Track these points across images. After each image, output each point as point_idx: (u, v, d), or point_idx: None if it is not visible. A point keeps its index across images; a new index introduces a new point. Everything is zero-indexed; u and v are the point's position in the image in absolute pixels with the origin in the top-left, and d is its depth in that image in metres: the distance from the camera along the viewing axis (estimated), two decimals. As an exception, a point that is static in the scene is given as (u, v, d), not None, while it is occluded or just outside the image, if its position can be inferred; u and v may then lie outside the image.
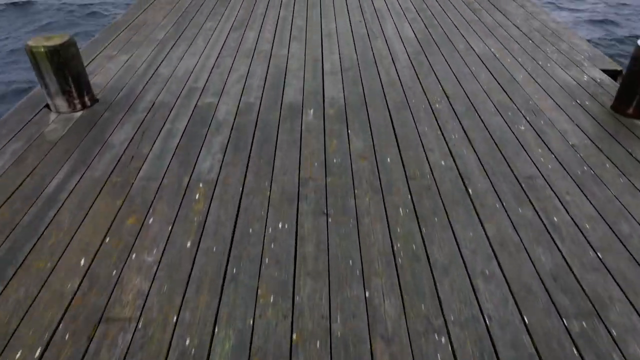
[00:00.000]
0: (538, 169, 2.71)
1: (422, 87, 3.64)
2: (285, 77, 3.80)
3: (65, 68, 3.10)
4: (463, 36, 4.63)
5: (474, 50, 4.30)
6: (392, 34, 4.70)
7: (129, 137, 3.02)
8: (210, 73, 3.87)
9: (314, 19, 5.11)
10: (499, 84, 3.70)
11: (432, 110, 3.32)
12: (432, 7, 5.49)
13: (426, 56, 4.18)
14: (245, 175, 2.67)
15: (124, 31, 4.71)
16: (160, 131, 3.08)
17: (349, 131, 3.08)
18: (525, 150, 2.88)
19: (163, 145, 2.93)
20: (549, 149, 2.90)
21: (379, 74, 3.85)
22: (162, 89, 3.61)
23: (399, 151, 2.87)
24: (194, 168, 2.73)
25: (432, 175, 2.66)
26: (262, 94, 3.55)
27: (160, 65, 4.00)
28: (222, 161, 2.78)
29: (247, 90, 3.61)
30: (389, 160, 2.79)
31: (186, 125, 3.15)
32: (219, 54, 4.23)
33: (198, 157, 2.82)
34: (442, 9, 5.39)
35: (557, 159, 2.81)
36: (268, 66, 4.00)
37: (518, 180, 2.62)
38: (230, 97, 3.50)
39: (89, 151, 2.87)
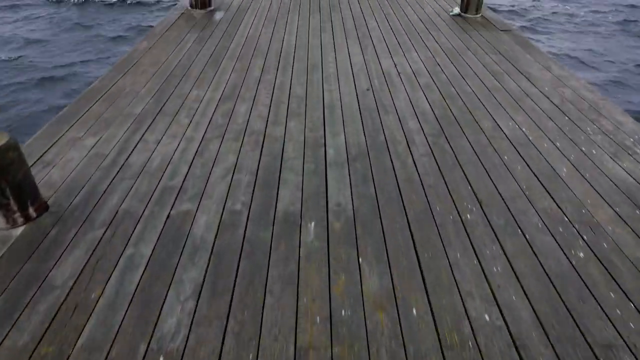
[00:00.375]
0: (616, 330, 2.03)
1: (446, 186, 3.00)
2: (280, 170, 3.16)
3: (1, 178, 2.47)
4: (487, 110, 4.03)
5: (502, 130, 3.68)
6: (404, 106, 4.10)
7: (77, 270, 2.34)
8: (191, 164, 3.23)
9: (314, 84, 4.52)
10: (539, 181, 3.05)
11: (463, 224, 2.66)
12: (446, 68, 4.92)
13: (447, 139, 3.56)
14: (223, 340, 1.99)
15: (97, 103, 4.11)
16: (119, 260, 2.41)
17: (360, 259, 2.41)
18: (593, 295, 2.21)
19: (119, 286, 2.26)
20: (623, 291, 2.23)
21: (393, 166, 3.22)
22: (130, 190, 2.96)
23: (427, 295, 2.20)
24: (155, 327, 2.04)
25: (475, 340, 1.98)
26: (252, 196, 2.90)
27: (133, 152, 3.37)
28: (194, 314, 2.10)
29: (234, 190, 2.96)
30: (414, 312, 2.11)
31: (153, 249, 2.48)
32: (204, 135, 3.61)
33: (162, 306, 2.14)
34: (458, 72, 4.82)
35: (638, 311, 2.13)
36: (261, 153, 3.37)
37: (594, 353, 1.94)
38: (212, 202, 2.85)
39: (20, 297, 2.19)
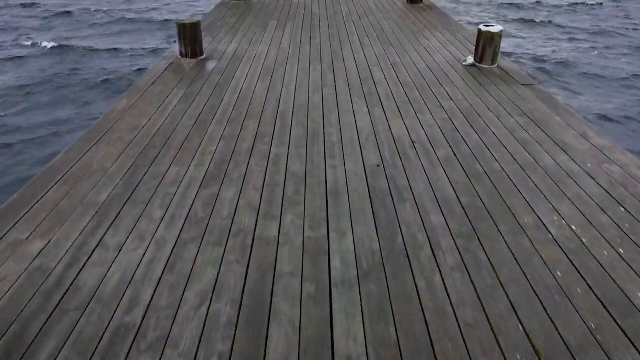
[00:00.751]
0: None
1: (490, 324, 2.28)
2: (272, 295, 2.46)
3: None
4: (523, 196, 3.35)
5: (547, 228, 2.99)
6: (423, 189, 3.43)
7: None
8: (157, 286, 2.52)
9: (315, 158, 3.86)
10: (610, 315, 2.34)
11: (521, 396, 1.95)
12: (467, 135, 4.27)
13: (481, 242, 2.86)
14: None
15: (55, 186, 3.42)
16: None
17: None
18: None
19: None
20: None
21: (417, 288, 2.51)
22: (72, 332, 2.22)
23: None
24: None
25: None
26: (233, 343, 2.18)
27: (87, 266, 2.66)
28: None
29: (209, 332, 2.24)
30: None
31: None
32: (179, 236, 2.91)
33: None
34: (481, 140, 4.17)
35: None
36: (248, 266, 2.67)
37: None
38: (178, 355, 2.13)
39: None
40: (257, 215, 3.13)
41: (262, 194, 3.36)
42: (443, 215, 3.13)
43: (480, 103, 5.00)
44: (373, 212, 3.17)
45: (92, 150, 3.95)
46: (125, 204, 3.24)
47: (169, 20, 13.70)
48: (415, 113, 4.74)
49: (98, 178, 3.55)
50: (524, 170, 3.68)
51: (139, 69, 9.32)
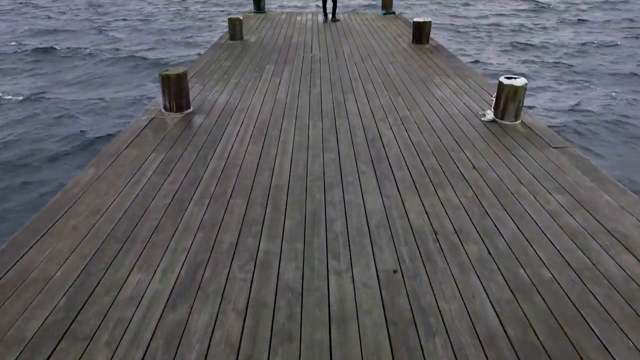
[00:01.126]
0: None
1: None
2: None
3: None
4: (590, 327, 2.51)
5: (635, 389, 2.20)
6: (457, 314, 2.59)
7: None
8: None
9: (314, 260, 3.07)
10: None
11: None
12: (501, 222, 3.43)
13: (548, 416, 2.06)
14: None
15: (-26, 309, 2.65)
16: None
17: None
18: None
19: None
20: None
21: None
22: None
23: None
24: None
25: None
26: None
27: None
28: None
29: None
30: None
31: None
32: (123, 405, 2.12)
33: None
34: (520, 230, 3.36)
35: None
36: None
37: None
38: None
39: None
40: (239, 347, 2.32)
41: (244, 322, 2.54)
42: (481, 342, 2.31)
43: (510, 174, 4.24)
44: (392, 354, 2.36)
45: (34, 249, 3.15)
46: (62, 339, 2.42)
47: (161, 60, 13.11)
48: (435, 189, 3.96)
49: (34, 294, 2.74)
50: (581, 279, 2.89)
51: (124, 121, 8.56)
